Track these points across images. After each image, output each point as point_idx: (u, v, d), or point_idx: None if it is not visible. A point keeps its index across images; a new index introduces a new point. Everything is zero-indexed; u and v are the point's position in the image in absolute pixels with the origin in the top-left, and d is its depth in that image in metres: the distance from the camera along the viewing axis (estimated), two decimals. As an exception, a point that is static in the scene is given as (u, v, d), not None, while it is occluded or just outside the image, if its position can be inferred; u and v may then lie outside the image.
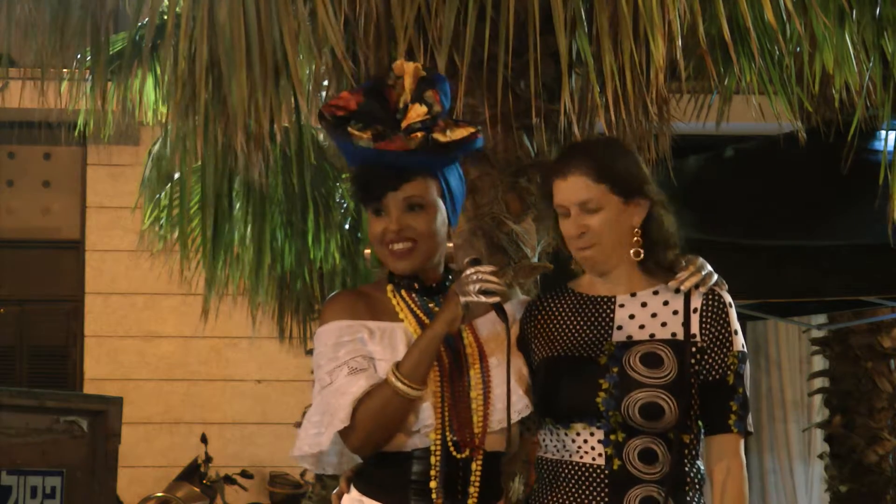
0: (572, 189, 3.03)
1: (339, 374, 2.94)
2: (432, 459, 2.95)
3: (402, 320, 3.03)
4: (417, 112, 3.01)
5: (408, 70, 3.03)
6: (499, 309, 2.96)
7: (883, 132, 6.01)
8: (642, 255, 3.04)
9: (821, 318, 8.89)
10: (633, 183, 3.04)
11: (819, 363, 9.97)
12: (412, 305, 3.04)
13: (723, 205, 6.36)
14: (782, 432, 11.82)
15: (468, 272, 2.93)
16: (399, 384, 2.90)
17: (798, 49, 5.27)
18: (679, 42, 4.30)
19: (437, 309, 3.02)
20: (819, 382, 9.69)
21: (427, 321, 3.00)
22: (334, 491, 3.13)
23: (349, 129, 3.00)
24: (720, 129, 6.09)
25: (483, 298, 2.90)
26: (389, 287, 3.07)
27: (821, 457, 9.37)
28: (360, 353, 2.96)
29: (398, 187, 3.02)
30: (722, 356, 3.00)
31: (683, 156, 6.15)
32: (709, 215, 6.12)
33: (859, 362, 8.65)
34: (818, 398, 9.69)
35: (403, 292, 3.06)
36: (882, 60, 5.56)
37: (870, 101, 5.58)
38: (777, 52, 5.42)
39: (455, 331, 2.96)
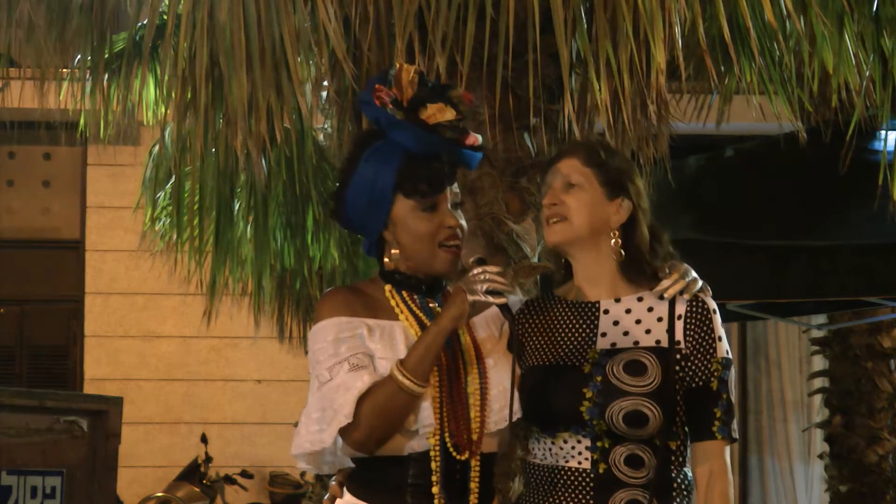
0: (560, 169, 3.06)
1: (340, 371, 2.91)
2: (433, 464, 2.94)
3: (400, 319, 3.00)
4: (442, 111, 3.00)
5: (406, 70, 3.03)
6: (505, 309, 2.95)
7: (882, 132, 6.01)
8: (623, 256, 3.04)
9: (821, 318, 8.89)
10: (619, 179, 3.05)
11: (819, 363, 9.97)
12: (412, 305, 3.02)
13: (723, 205, 6.36)
14: (782, 432, 11.82)
15: (475, 271, 2.92)
16: (404, 380, 2.88)
17: (798, 49, 5.27)
18: (679, 42, 4.30)
19: (437, 309, 3.01)
20: (819, 382, 9.68)
21: (427, 321, 2.98)
22: (325, 497, 3.12)
23: (423, 116, 2.98)
24: (720, 129, 6.08)
25: (490, 299, 2.89)
26: (388, 287, 3.04)
27: (821, 457, 9.36)
28: (361, 350, 2.94)
29: (452, 183, 3.02)
30: (706, 363, 2.99)
31: (683, 156, 6.16)
32: (709, 215, 6.12)
33: (859, 362, 8.64)
34: (818, 398, 9.69)
35: (404, 292, 3.03)
36: (881, 60, 5.56)
37: (869, 100, 5.58)
38: (777, 52, 5.43)
39: (460, 327, 2.96)
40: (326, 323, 2.98)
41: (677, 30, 4.28)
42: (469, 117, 3.05)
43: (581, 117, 4.67)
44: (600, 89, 4.41)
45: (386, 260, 3.04)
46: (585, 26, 4.43)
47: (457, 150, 3.01)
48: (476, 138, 3.03)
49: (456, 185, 3.04)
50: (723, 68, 5.73)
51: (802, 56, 5.21)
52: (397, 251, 3.01)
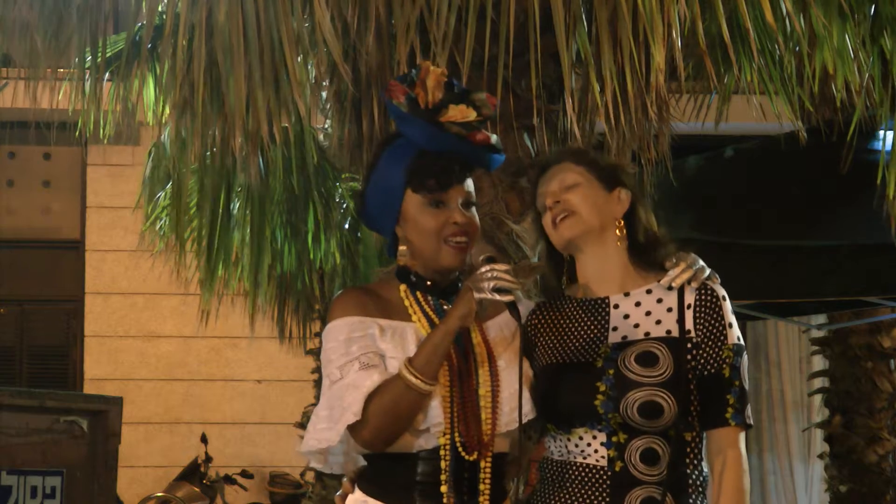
0: (554, 175, 3.09)
1: (351, 369, 2.92)
2: (442, 464, 2.94)
3: (412, 320, 3.01)
4: (463, 113, 3.00)
5: (433, 72, 3.03)
6: (512, 308, 2.95)
7: (882, 132, 6.01)
8: (628, 243, 3.07)
9: (821, 318, 8.89)
10: (613, 172, 3.09)
11: (819, 363, 9.97)
12: (425, 306, 3.02)
13: (723, 205, 6.35)
14: (782, 432, 11.82)
15: (483, 269, 2.92)
16: (412, 378, 2.88)
17: (798, 48, 5.27)
18: (679, 42, 4.30)
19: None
20: (819, 382, 9.69)
21: (439, 322, 2.98)
22: (337, 493, 3.12)
23: (442, 117, 2.98)
24: (720, 129, 6.08)
25: (497, 297, 2.89)
26: (403, 287, 3.04)
27: (821, 457, 9.36)
28: (372, 350, 2.95)
29: (463, 181, 3.02)
30: (717, 350, 3.00)
31: (683, 156, 6.16)
32: (709, 215, 6.12)
33: (859, 362, 8.64)
34: (818, 398, 9.69)
35: (419, 293, 3.03)
36: (881, 59, 5.56)
37: (869, 100, 5.58)
38: (777, 52, 5.43)
39: (468, 326, 2.96)
40: (339, 322, 2.99)
41: (676, 30, 4.28)
42: (491, 119, 3.05)
43: (581, 117, 4.67)
44: (601, 90, 4.42)
45: (398, 256, 3.05)
46: (585, 26, 4.43)
47: (470, 149, 3.01)
48: (487, 136, 3.02)
49: (470, 183, 3.04)
50: (722, 68, 5.73)
51: (802, 56, 5.21)
52: (405, 247, 3.02)
